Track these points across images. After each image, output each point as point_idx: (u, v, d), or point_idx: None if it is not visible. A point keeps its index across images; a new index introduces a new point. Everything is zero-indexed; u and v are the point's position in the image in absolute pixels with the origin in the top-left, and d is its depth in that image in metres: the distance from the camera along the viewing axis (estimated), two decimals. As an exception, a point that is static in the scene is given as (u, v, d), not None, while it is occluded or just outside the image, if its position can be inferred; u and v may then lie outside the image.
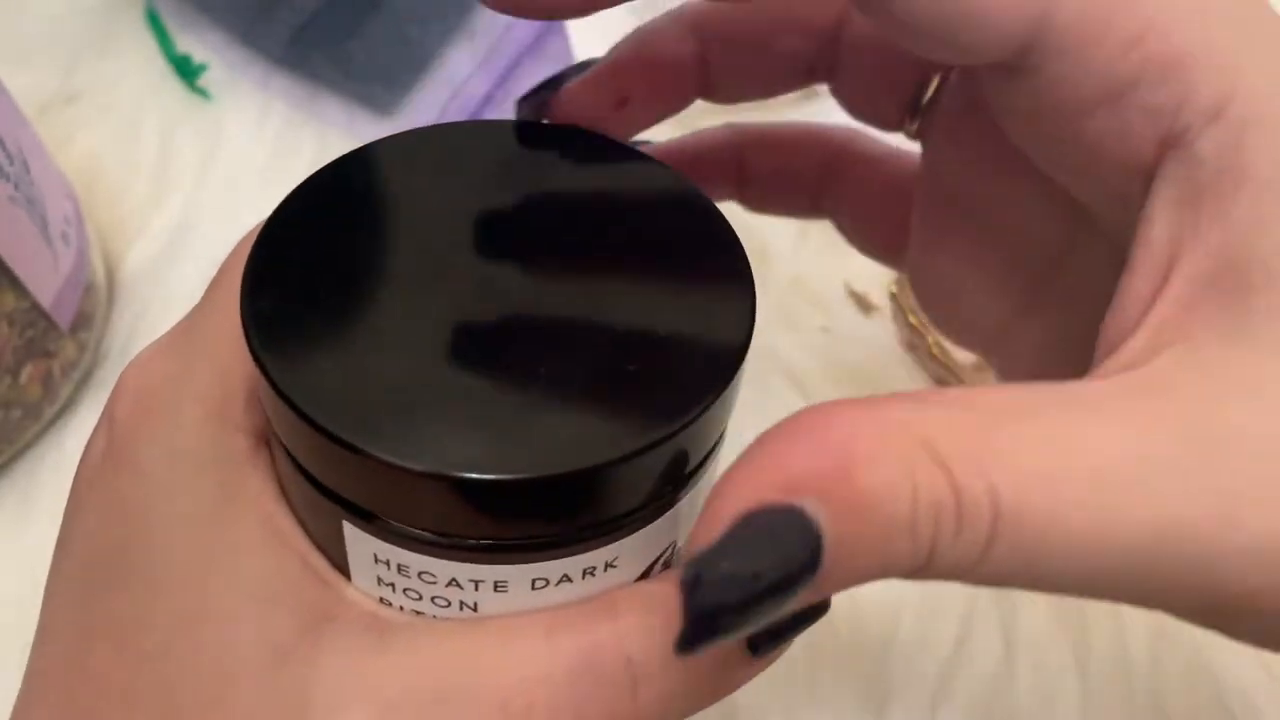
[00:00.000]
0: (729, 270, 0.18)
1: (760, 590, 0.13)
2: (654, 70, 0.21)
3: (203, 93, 0.42)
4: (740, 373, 0.17)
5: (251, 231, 0.19)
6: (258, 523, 0.17)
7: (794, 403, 0.36)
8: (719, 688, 0.18)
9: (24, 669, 0.30)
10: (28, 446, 0.34)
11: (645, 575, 0.18)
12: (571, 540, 0.16)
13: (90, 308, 0.34)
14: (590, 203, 0.19)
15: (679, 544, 0.19)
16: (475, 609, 0.17)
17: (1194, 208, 0.15)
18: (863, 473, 0.13)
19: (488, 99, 0.41)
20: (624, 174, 0.19)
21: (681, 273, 0.18)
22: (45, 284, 0.31)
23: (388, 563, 0.17)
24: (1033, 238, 0.20)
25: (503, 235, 0.18)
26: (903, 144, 0.23)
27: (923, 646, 0.31)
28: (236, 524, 0.17)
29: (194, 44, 0.44)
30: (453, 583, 0.17)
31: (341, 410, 0.15)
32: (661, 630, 0.17)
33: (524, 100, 0.21)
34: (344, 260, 0.17)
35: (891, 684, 0.30)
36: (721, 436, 0.18)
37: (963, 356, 0.35)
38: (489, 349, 0.16)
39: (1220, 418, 0.14)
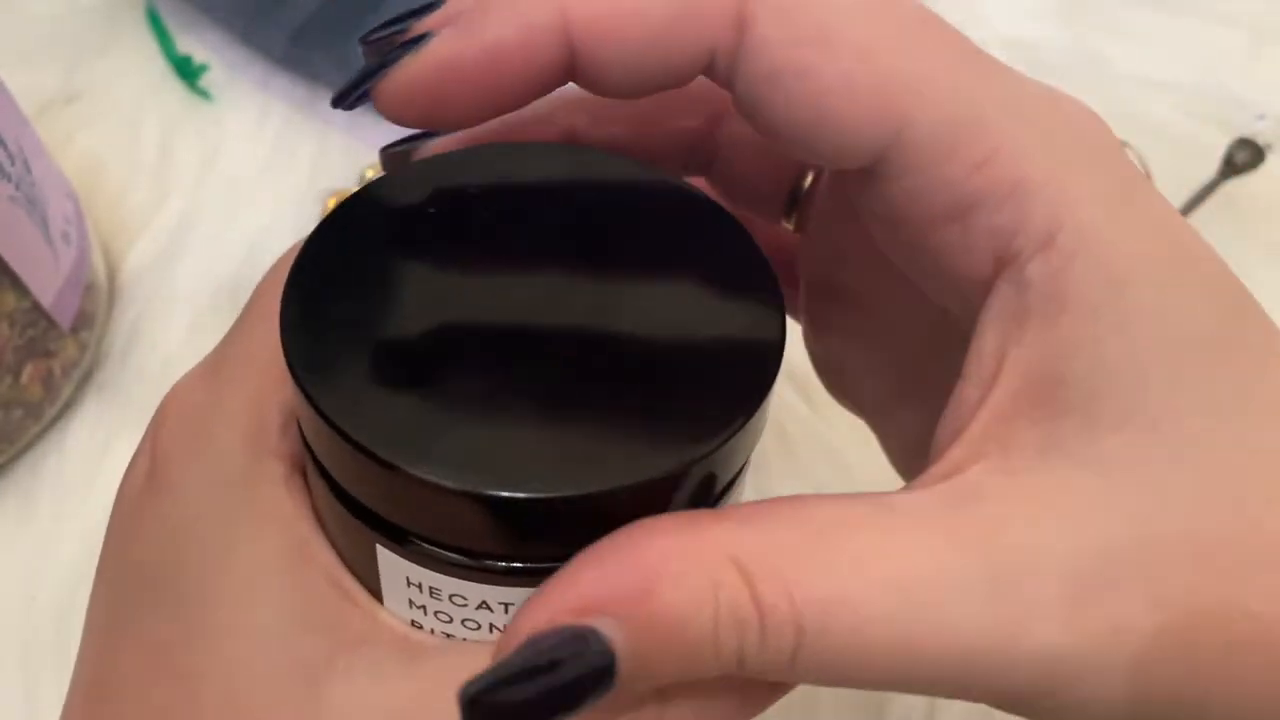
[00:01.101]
0: (759, 295, 0.18)
1: (542, 704, 0.14)
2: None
3: (203, 93, 0.42)
4: (771, 393, 0.17)
5: (284, 256, 0.20)
6: (292, 546, 0.18)
7: (793, 402, 0.36)
8: (747, 708, 0.18)
9: (26, 668, 0.31)
10: (29, 446, 0.34)
11: None
12: None
13: (91, 307, 0.34)
14: (627, 226, 0.19)
15: None
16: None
17: (1019, 326, 0.16)
18: (665, 590, 0.14)
19: (488, 99, 0.41)
20: (658, 197, 0.19)
21: (714, 296, 0.18)
22: (46, 283, 0.31)
23: (419, 585, 0.17)
24: (903, 330, 0.21)
25: (539, 257, 0.18)
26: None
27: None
28: (271, 547, 0.18)
29: (194, 44, 0.44)
30: (483, 605, 0.17)
31: (376, 427, 0.15)
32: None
33: (386, 150, 0.21)
34: (382, 282, 0.17)
35: (891, 684, 0.30)
36: (749, 458, 0.18)
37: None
38: (526, 371, 0.16)
39: (1018, 534, 0.15)
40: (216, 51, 0.43)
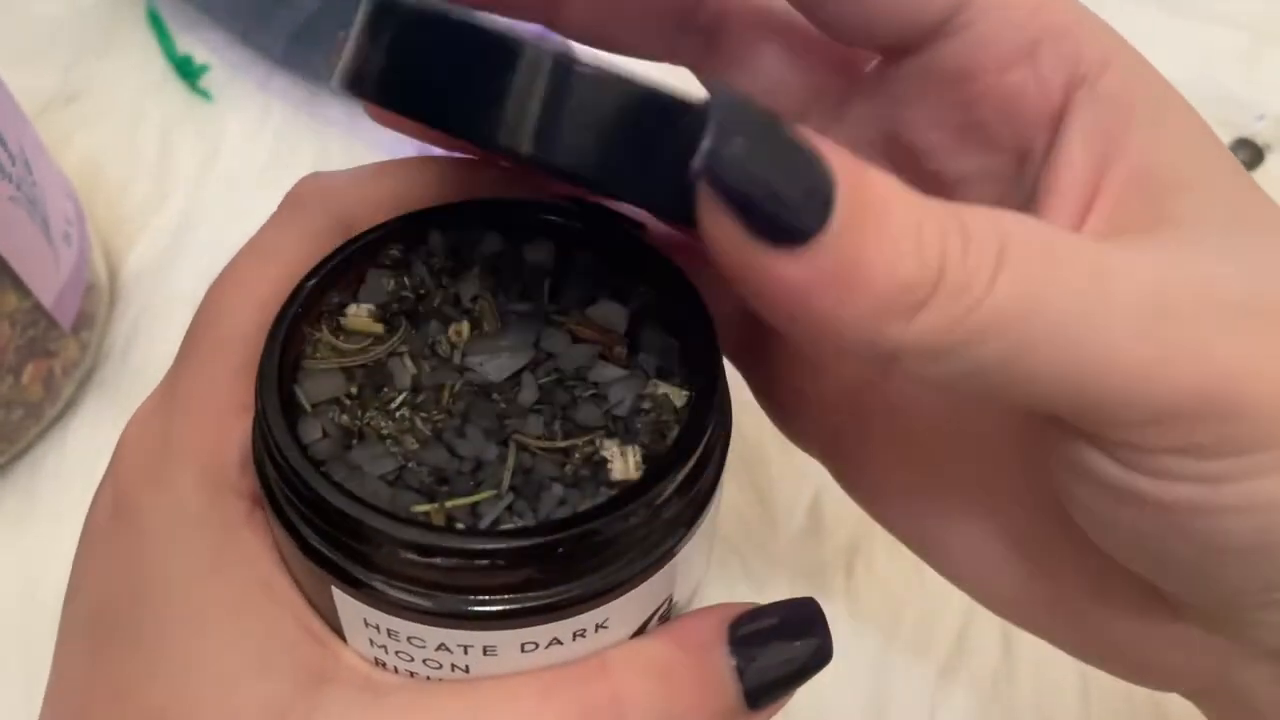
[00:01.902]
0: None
1: (760, 215, 0.14)
2: None
3: (204, 93, 0.42)
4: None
5: (216, 289, 0.20)
6: (254, 584, 0.18)
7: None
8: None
9: (27, 667, 0.31)
10: (29, 446, 0.34)
11: (641, 630, 0.18)
12: (556, 608, 0.16)
13: (92, 307, 0.35)
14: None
15: (675, 598, 0.19)
16: (467, 671, 0.17)
17: (1103, 134, 0.18)
18: (873, 179, 0.14)
19: (488, 99, 0.41)
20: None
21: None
22: (47, 284, 0.31)
23: (377, 627, 0.17)
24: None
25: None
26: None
27: (923, 646, 0.31)
28: (233, 586, 0.18)
29: (195, 44, 0.44)
30: (442, 647, 0.17)
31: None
32: (655, 690, 0.17)
33: None
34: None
35: (891, 683, 0.30)
36: (716, 491, 0.18)
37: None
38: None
39: (1188, 269, 0.16)
40: (217, 52, 0.44)
